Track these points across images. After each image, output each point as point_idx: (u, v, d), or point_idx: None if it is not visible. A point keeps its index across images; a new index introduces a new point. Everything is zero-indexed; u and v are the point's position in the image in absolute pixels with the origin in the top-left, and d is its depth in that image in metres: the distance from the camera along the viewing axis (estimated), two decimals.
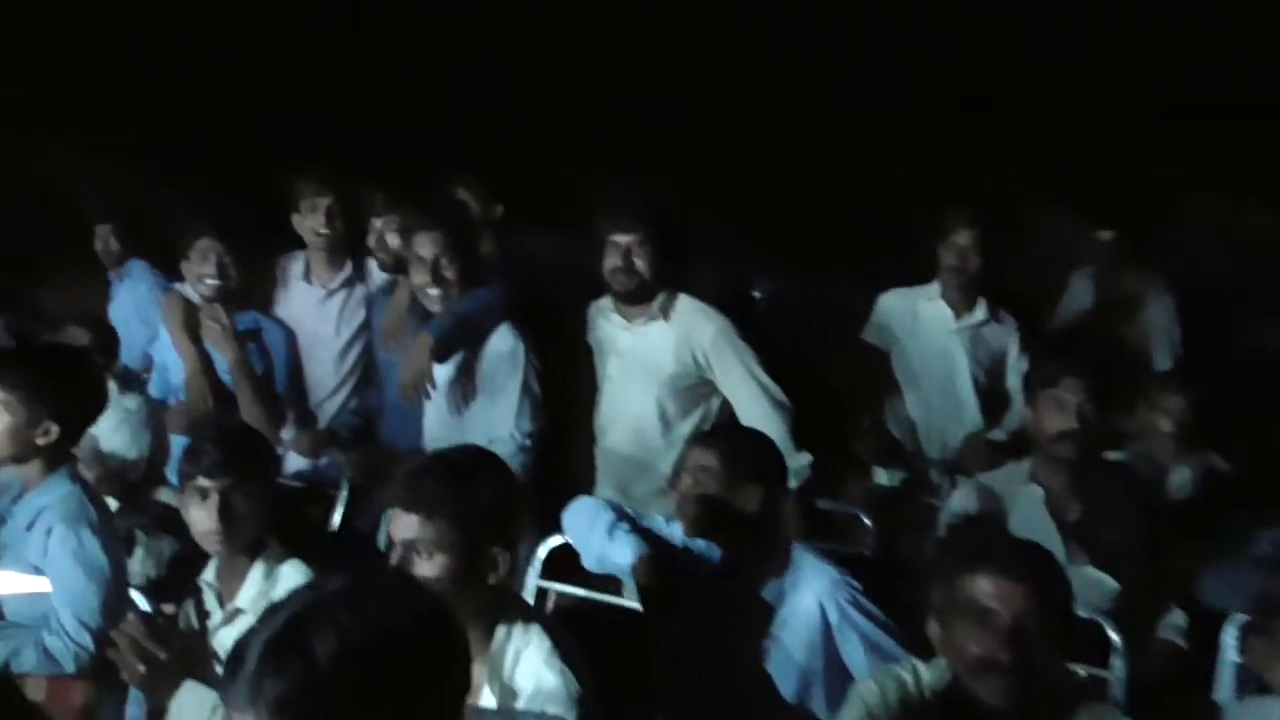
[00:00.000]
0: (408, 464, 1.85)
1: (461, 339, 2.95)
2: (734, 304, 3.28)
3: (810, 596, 2.15)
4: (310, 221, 3.30)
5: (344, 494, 3.04)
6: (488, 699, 1.74)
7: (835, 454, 3.17)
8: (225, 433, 2.22)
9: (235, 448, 2.12)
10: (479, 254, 3.11)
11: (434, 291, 2.93)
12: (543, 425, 2.96)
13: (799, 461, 2.81)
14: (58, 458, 2.24)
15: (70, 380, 2.27)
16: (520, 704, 1.72)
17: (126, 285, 4.05)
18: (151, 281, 3.90)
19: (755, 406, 2.91)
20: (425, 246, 2.93)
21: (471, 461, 1.82)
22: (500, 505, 1.77)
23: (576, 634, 1.85)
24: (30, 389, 2.19)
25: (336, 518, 3.03)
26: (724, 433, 2.59)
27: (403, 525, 1.72)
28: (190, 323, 3.20)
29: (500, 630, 1.76)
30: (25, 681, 2.15)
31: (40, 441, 2.20)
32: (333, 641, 1.00)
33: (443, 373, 2.94)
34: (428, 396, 2.94)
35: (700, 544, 2.28)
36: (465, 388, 2.99)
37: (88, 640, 2.12)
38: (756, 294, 3.90)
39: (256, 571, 2.10)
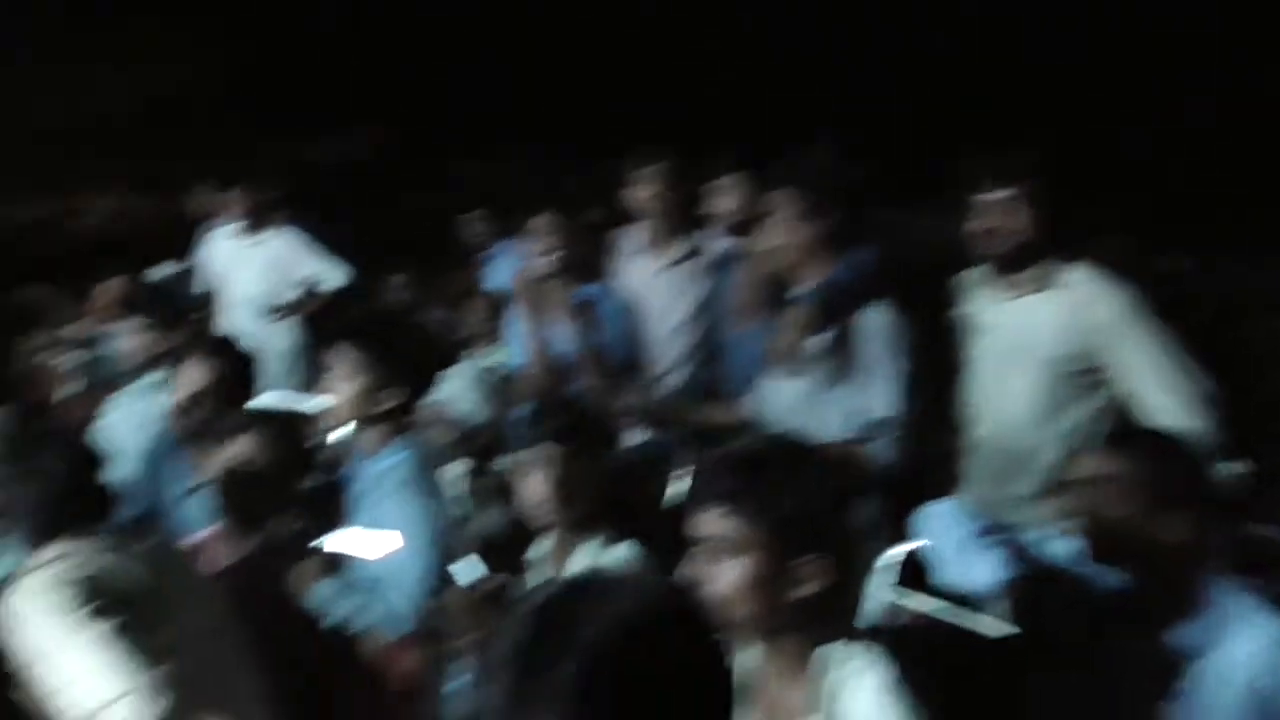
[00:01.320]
0: (721, 451, 1.60)
1: (837, 310, 2.66)
2: (1140, 279, 2.72)
3: (1240, 654, 1.64)
4: (646, 192, 3.21)
5: (680, 472, 2.88)
6: None
7: (1267, 466, 2.55)
8: (562, 404, 2.18)
9: (572, 420, 2.05)
10: (837, 218, 2.80)
11: (791, 256, 2.66)
12: (917, 411, 2.61)
13: (1228, 474, 2.23)
14: (398, 424, 2.26)
15: (411, 350, 2.30)
16: None
17: (495, 264, 4.23)
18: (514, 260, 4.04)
19: (1166, 403, 2.36)
20: (783, 204, 2.66)
21: (788, 453, 1.53)
22: (819, 505, 1.47)
23: (932, 661, 1.51)
24: (374, 358, 2.22)
25: (672, 495, 2.88)
26: (1143, 439, 2.05)
27: (703, 520, 1.48)
28: (532, 296, 3.22)
29: (820, 652, 1.46)
30: (361, 640, 2.17)
31: (382, 408, 2.22)
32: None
33: (811, 347, 2.67)
34: (796, 373, 2.68)
35: (1093, 571, 1.83)
36: (835, 364, 2.69)
37: (420, 604, 2.11)
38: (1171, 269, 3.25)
39: (587, 549, 1.99)
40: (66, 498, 1.75)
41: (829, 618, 1.48)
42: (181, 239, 4.98)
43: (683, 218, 3.23)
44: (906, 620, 2.22)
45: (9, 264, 5.13)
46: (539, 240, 3.15)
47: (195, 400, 2.45)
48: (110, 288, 4.28)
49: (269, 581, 2.08)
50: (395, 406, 2.24)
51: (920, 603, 2.19)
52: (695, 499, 1.47)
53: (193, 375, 2.48)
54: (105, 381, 3.37)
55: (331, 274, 4.66)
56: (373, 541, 2.12)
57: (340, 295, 4.65)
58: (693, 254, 3.22)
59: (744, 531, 1.41)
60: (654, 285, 3.21)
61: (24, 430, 2.59)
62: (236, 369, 2.55)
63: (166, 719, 1.55)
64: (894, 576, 2.21)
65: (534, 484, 2.00)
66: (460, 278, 4.54)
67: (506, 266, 4.18)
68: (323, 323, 4.57)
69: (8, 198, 6.15)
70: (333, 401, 2.20)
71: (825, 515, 1.46)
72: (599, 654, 0.93)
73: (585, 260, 3.19)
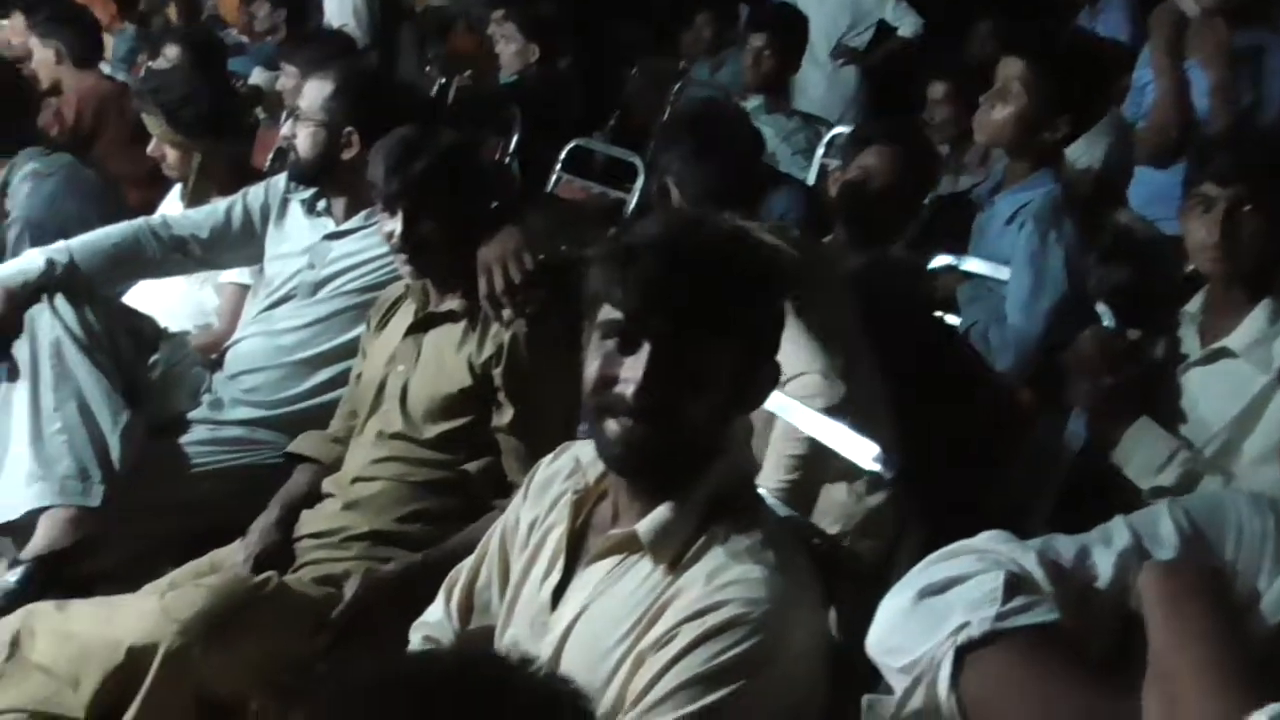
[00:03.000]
0: None
1: None
2: None
3: None
4: None
5: None
6: None
7: None
8: (1244, 139, 1.82)
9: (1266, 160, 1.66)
10: None
11: None
12: None
13: None
14: (1047, 156, 2.06)
15: (1086, 73, 2.05)
16: None
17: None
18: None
19: None
20: None
21: None
22: None
23: None
24: (1044, 79, 2.00)
25: None
26: None
27: None
28: (1176, 36, 2.77)
29: None
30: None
31: (1045, 136, 2.02)
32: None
33: None
34: None
35: None
36: None
37: (1029, 343, 1.99)
38: None
39: (1259, 313, 1.70)
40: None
41: None
42: None
43: None
44: None
45: None
46: None
47: None
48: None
49: (887, 293, 2.05)
50: (1053, 138, 2.04)
51: None
52: None
53: None
54: None
55: (906, 19, 4.48)
56: (1005, 270, 2.01)
57: (910, 43, 4.48)
58: None
59: None
60: None
61: None
62: None
63: (843, 402, 1.57)
64: None
65: (1198, 227, 1.70)
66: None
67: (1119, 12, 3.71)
68: (887, 70, 4.46)
69: None
70: (992, 120, 2.04)
71: None
72: None
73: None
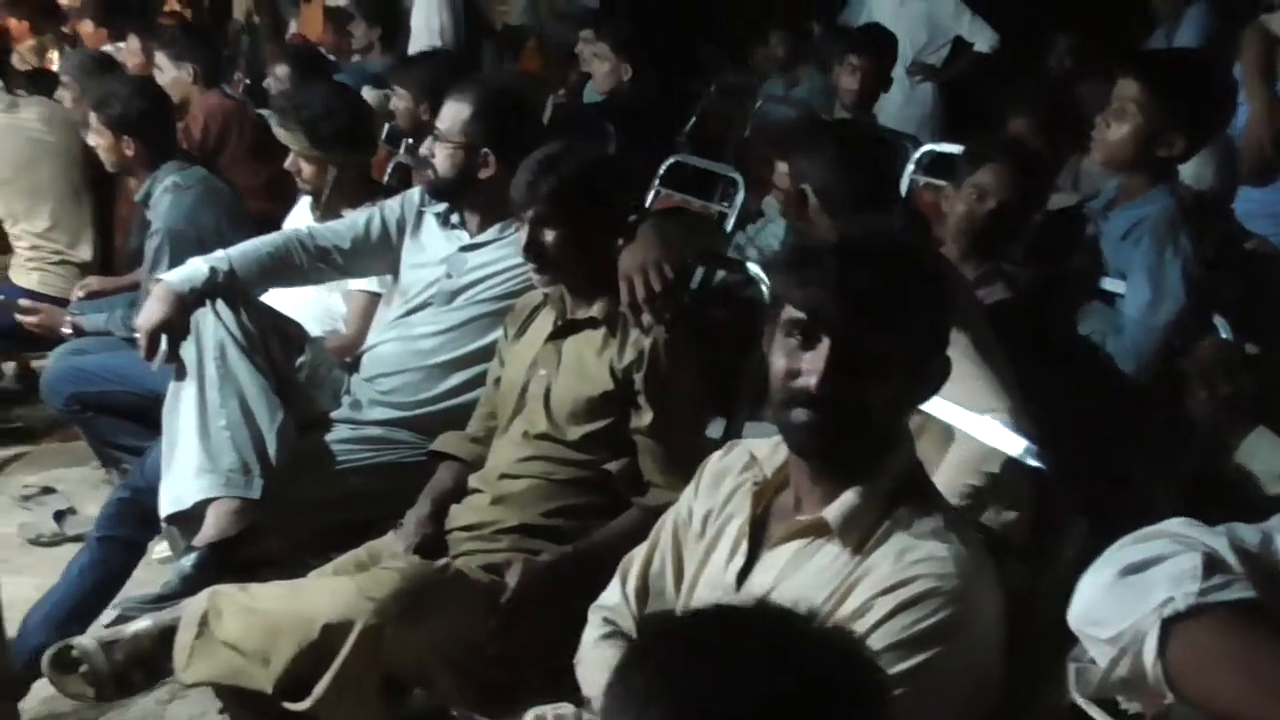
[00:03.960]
0: None
1: None
2: None
3: None
4: None
5: None
6: None
7: None
8: None
9: None
10: None
11: None
12: None
13: None
14: (1162, 172, 2.11)
15: (1200, 92, 2.10)
16: None
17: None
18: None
19: None
20: None
21: None
22: None
23: None
24: (1160, 98, 2.05)
25: None
26: None
27: None
28: (1267, 56, 2.82)
29: None
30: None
31: (1160, 154, 2.07)
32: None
33: None
34: None
35: None
36: None
37: (1148, 354, 2.05)
38: None
39: None
40: None
41: None
42: None
43: None
44: None
45: None
46: None
47: None
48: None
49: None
50: (1168, 155, 2.11)
51: None
52: None
53: None
54: None
55: (982, 34, 4.55)
56: (1122, 283, 2.08)
57: (986, 59, 4.55)
58: None
59: None
60: None
61: None
62: None
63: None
64: None
65: None
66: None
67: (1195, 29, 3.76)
68: (964, 85, 4.53)
69: None
70: (1109, 140, 2.11)
71: None
72: None
73: None
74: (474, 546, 1.85)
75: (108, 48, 4.29)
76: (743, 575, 1.27)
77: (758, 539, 1.28)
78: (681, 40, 5.26)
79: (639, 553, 1.45)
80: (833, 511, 1.20)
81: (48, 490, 3.14)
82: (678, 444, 1.85)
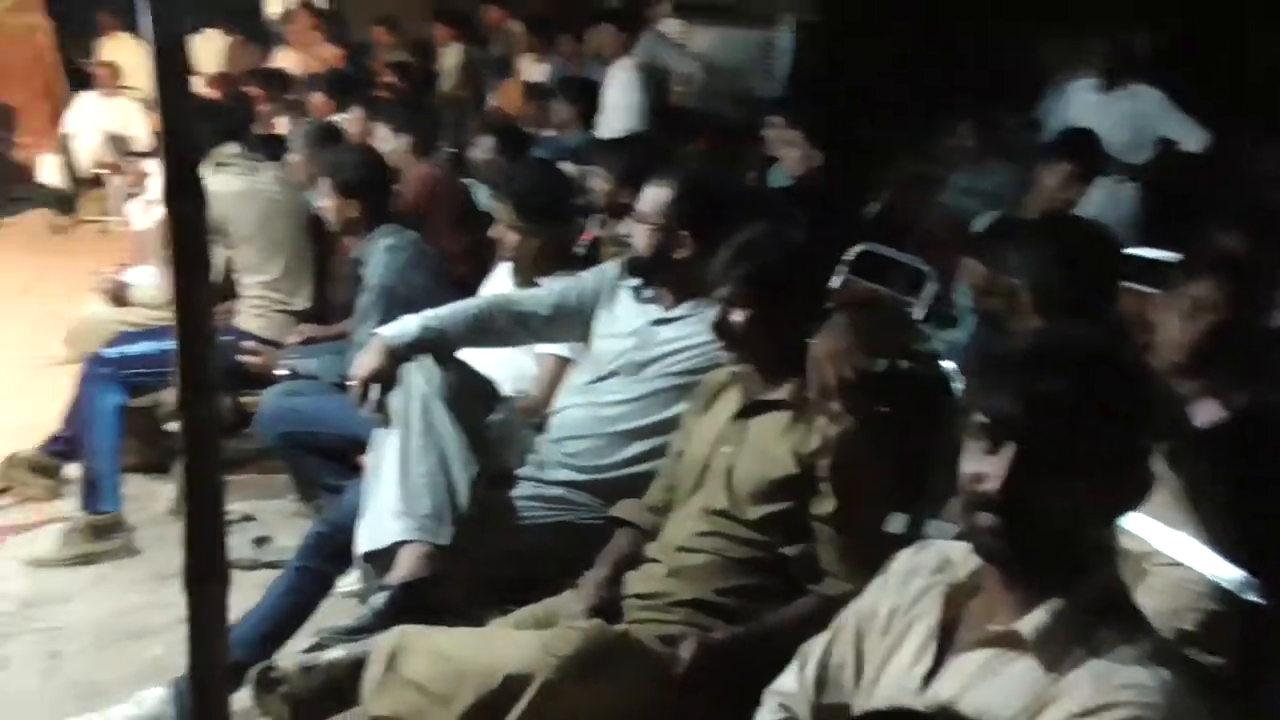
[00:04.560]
0: None
1: None
2: None
3: None
4: None
5: None
6: None
7: None
8: None
9: None
10: None
11: None
12: None
13: None
14: None
15: None
16: None
17: None
18: None
19: None
20: None
21: None
22: None
23: None
24: None
25: None
26: None
27: None
28: None
29: None
30: None
31: None
32: None
33: None
34: None
35: None
36: None
37: None
38: None
39: None
40: None
41: None
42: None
43: None
44: None
45: None
46: None
47: None
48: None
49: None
50: None
51: None
52: None
53: None
54: None
55: (1191, 136, 4.40)
56: None
57: (1196, 160, 4.39)
58: None
59: None
60: None
61: None
62: None
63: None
64: None
65: None
66: None
67: None
68: (1174, 186, 4.36)
69: None
70: None
71: None
72: None
73: None
74: (647, 615, 1.89)
75: (333, 118, 4.68)
76: (928, 679, 1.25)
77: (946, 643, 1.27)
78: (869, 128, 5.29)
79: (819, 641, 1.45)
80: (1028, 624, 1.18)
81: (248, 518, 3.37)
82: (858, 535, 1.85)
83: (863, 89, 5.94)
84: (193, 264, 1.02)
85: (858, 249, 3.19)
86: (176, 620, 2.38)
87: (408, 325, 2.35)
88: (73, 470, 3.37)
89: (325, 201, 3.09)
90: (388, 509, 2.17)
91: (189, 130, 1.00)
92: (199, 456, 1.05)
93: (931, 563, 1.35)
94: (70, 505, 3.27)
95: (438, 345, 2.33)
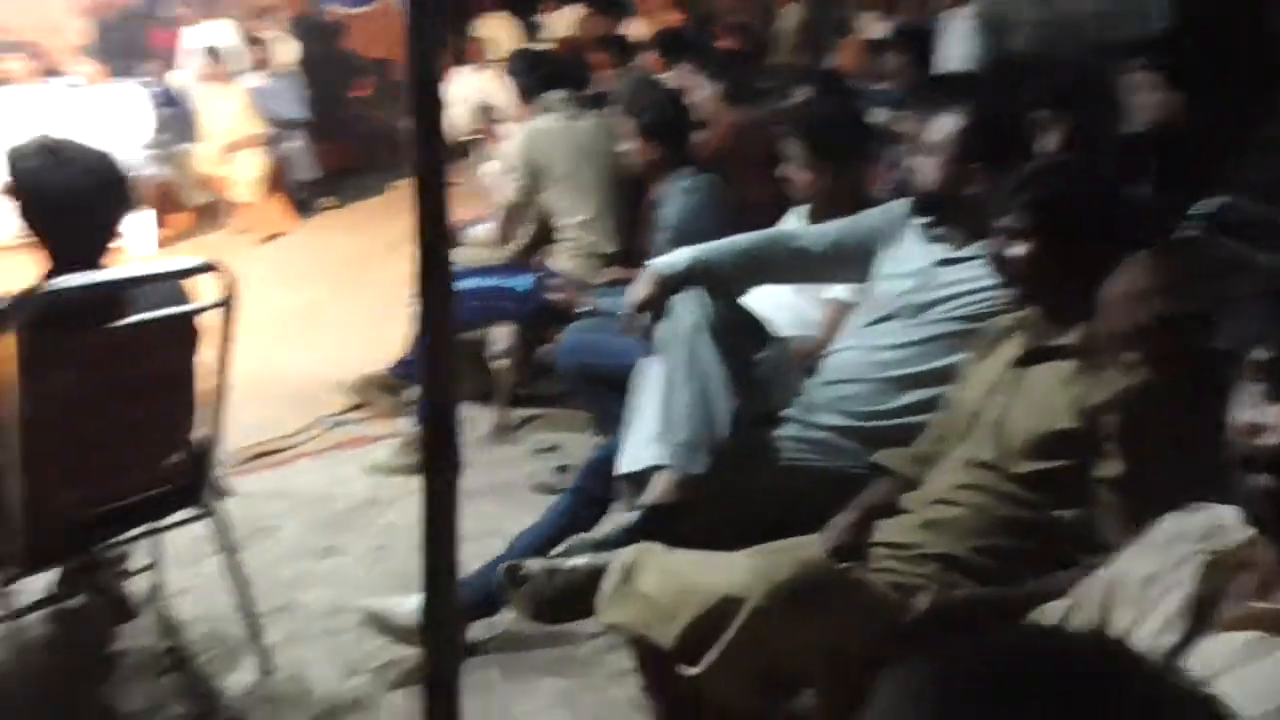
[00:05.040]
0: None
1: None
2: None
3: None
4: None
5: None
6: None
7: None
8: None
9: None
10: None
11: None
12: None
13: None
14: None
15: None
16: None
17: None
18: None
19: None
20: None
21: None
22: None
23: None
24: None
25: None
26: None
27: None
28: None
29: None
30: None
31: None
32: None
33: None
34: None
35: None
36: None
37: None
38: None
39: None
40: None
41: None
42: None
43: None
44: None
45: None
46: None
47: None
48: None
49: None
50: None
51: None
52: None
53: None
54: None
55: None
56: None
57: None
58: None
59: None
60: None
61: None
62: None
63: None
64: None
65: None
66: None
67: None
68: None
69: None
70: None
71: None
72: None
73: None
74: (893, 565, 1.77)
75: (662, 75, 4.80)
76: (1172, 655, 1.07)
77: (1201, 619, 1.07)
78: (1253, 77, 4.59)
79: (1054, 610, 1.28)
80: None
81: (553, 449, 3.59)
82: (1147, 503, 1.61)
83: (1254, 37, 5.15)
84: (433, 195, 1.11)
85: (1218, 201, 2.78)
86: (484, 531, 2.62)
87: (680, 257, 2.36)
88: (413, 391, 3.76)
89: (630, 144, 3.18)
90: (647, 434, 2.20)
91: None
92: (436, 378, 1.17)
93: (1200, 528, 1.14)
94: (408, 422, 3.65)
95: (708, 277, 2.32)
